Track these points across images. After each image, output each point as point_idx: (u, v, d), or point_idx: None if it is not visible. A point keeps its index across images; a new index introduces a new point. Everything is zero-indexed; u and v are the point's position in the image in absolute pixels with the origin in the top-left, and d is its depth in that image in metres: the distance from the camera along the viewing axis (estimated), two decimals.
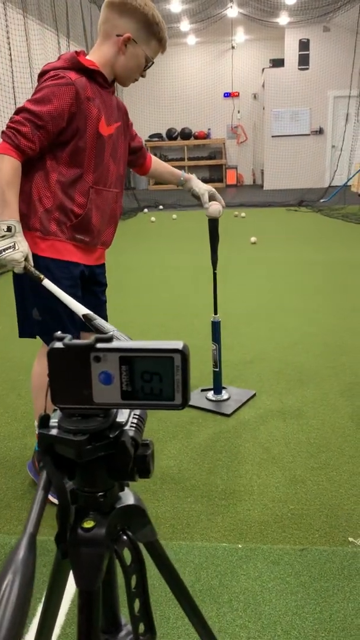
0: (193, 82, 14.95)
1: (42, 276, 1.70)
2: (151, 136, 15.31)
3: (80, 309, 1.57)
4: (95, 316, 1.30)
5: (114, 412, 0.56)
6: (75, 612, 1.37)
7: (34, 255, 1.78)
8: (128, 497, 0.61)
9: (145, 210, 10.59)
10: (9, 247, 1.64)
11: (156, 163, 2.26)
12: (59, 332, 0.53)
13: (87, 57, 1.79)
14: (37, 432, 0.63)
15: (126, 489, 0.62)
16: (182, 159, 15.36)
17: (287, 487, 2.03)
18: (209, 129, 15.29)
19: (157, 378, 0.52)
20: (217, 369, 2.75)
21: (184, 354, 0.51)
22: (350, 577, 1.60)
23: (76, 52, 1.79)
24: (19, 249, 1.66)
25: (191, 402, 2.71)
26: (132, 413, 0.58)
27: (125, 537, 0.60)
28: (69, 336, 0.52)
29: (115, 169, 1.90)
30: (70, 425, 0.53)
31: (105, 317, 2.10)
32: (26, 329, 1.92)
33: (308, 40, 13.24)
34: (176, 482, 2.09)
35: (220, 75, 14.91)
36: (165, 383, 0.52)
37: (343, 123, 12.34)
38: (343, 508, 1.91)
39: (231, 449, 2.30)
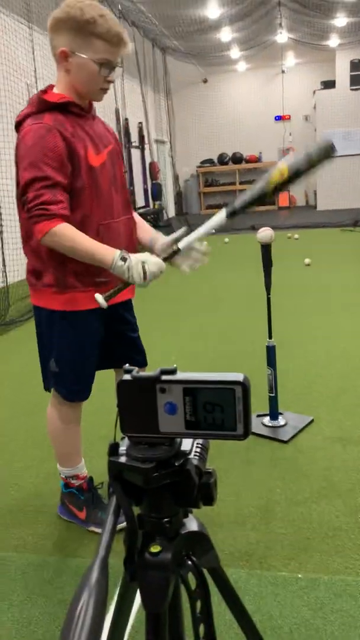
0: (244, 107, 15.12)
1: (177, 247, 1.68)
2: (203, 162, 15.53)
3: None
4: None
5: (179, 441, 0.59)
6: (134, 636, 1.39)
7: (52, 312, 1.74)
8: (192, 524, 0.63)
9: None
10: (144, 272, 1.59)
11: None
12: (127, 365, 0.56)
13: (54, 91, 1.68)
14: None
15: (190, 515, 0.64)
16: (234, 183, 15.47)
17: (348, 516, 1.98)
18: (260, 153, 15.36)
19: (219, 409, 0.54)
20: (273, 394, 2.73)
21: (245, 385, 0.54)
22: None
23: (42, 90, 1.69)
24: (150, 264, 1.60)
25: None
26: (196, 442, 0.60)
27: (189, 562, 0.62)
28: (136, 369, 0.55)
29: (119, 196, 1.79)
30: (138, 453, 0.56)
31: (141, 351, 2.03)
32: (49, 383, 1.90)
33: (359, 60, 13.17)
34: (234, 509, 2.08)
35: (271, 99, 15.01)
36: (227, 414, 0.54)
37: None
38: None
39: (289, 476, 2.27)
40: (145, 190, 12.51)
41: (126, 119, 10.67)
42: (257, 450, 2.50)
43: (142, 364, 2.03)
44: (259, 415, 2.81)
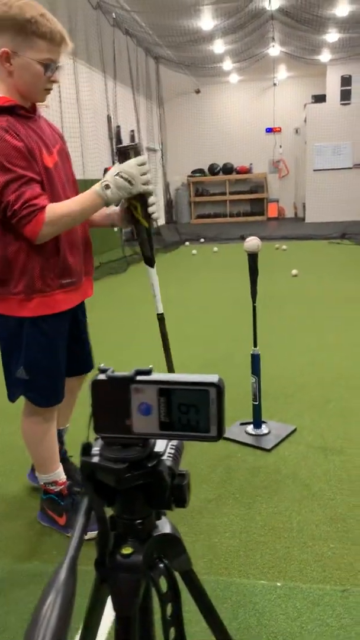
0: (235, 119, 15.25)
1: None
2: (193, 172, 15.62)
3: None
4: None
5: (152, 442, 0.59)
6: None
7: (20, 319, 1.71)
8: (164, 526, 0.63)
9: (187, 243, 10.74)
10: (126, 179, 1.59)
11: None
12: (102, 364, 0.56)
13: None
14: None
15: (163, 517, 0.64)
16: (224, 194, 15.57)
17: (328, 525, 1.99)
18: (251, 164, 15.49)
19: (193, 410, 0.54)
20: (257, 403, 2.73)
21: (219, 387, 0.54)
22: None
23: None
24: (126, 169, 1.59)
25: (230, 436, 2.70)
26: (170, 443, 0.60)
27: (161, 565, 0.61)
28: (111, 368, 0.55)
29: (72, 194, 1.77)
30: (111, 453, 0.56)
31: (89, 352, 2.05)
32: (15, 392, 1.85)
33: (350, 75, 13.36)
34: (214, 517, 2.07)
35: (262, 111, 15.16)
36: (201, 415, 0.54)
37: None
38: None
39: (270, 485, 2.27)
40: None
41: (118, 126, 10.70)
42: (240, 458, 2.50)
43: (90, 364, 2.04)
44: (242, 424, 2.81)
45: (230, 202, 15.62)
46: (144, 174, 1.62)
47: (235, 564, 1.82)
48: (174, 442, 0.61)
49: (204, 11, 9.35)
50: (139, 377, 0.54)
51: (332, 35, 10.64)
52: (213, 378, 0.54)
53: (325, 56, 12.32)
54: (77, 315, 1.96)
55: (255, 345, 2.71)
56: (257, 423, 2.74)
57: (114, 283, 6.97)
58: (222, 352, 4.02)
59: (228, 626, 1.56)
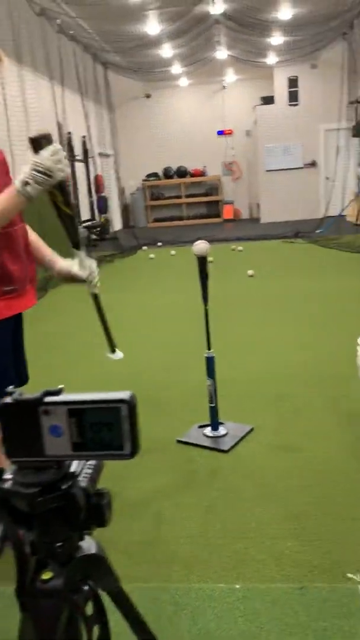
0: (187, 122, 15.33)
1: None
2: (148, 175, 15.61)
3: None
4: None
5: (67, 463, 0.58)
6: None
7: None
8: (88, 547, 0.62)
9: (144, 247, 10.72)
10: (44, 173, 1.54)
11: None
12: (10, 387, 0.55)
13: None
14: None
15: (87, 538, 0.63)
16: (179, 197, 15.61)
17: (285, 523, 2.01)
18: (205, 167, 15.58)
19: (106, 429, 0.54)
20: (213, 405, 2.75)
21: (130, 404, 0.53)
22: (350, 616, 1.57)
23: None
24: (41, 162, 1.54)
25: (188, 440, 2.70)
26: (87, 463, 0.59)
27: (86, 588, 0.60)
28: (18, 391, 0.54)
29: None
30: (23, 478, 0.55)
31: (26, 363, 2.06)
32: None
33: (297, 77, 13.61)
34: (172, 523, 2.07)
35: (213, 114, 15.29)
36: (114, 433, 0.54)
37: (335, 155, 12.57)
38: (341, 543, 1.88)
39: (228, 487, 2.28)
40: (91, 204, 12.45)
41: (69, 133, 10.60)
42: (198, 462, 2.51)
43: (27, 375, 2.03)
44: (200, 426, 2.82)
45: (186, 205, 15.67)
46: (59, 162, 1.58)
47: (194, 569, 1.82)
48: (92, 462, 0.60)
49: (149, 16, 9.36)
50: (47, 399, 0.53)
51: (277, 39, 10.83)
52: (124, 395, 0.53)
53: (271, 59, 12.51)
54: (18, 324, 1.95)
55: (209, 348, 2.72)
56: (215, 425, 2.75)
57: (71, 289, 6.89)
58: (180, 356, 4.02)
59: (188, 633, 1.56)
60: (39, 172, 1.56)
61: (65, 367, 3.89)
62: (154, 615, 1.63)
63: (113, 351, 2.00)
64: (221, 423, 2.79)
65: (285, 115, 13.65)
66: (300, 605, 1.63)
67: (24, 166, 1.57)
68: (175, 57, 11.90)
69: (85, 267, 1.81)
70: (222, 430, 2.75)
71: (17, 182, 1.57)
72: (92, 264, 1.84)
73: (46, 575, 0.57)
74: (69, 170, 1.60)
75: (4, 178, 1.81)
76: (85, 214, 12.01)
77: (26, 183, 1.57)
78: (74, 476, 0.57)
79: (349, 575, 1.72)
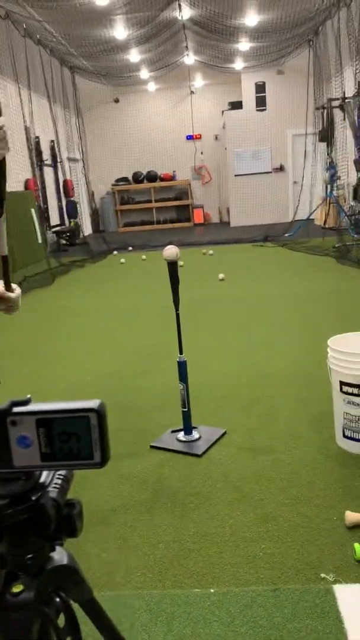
0: (156, 127, 15.36)
1: None
2: (117, 180, 15.57)
3: None
4: None
5: (37, 473, 0.57)
6: None
7: None
8: (59, 557, 0.61)
9: (115, 252, 10.69)
10: None
11: None
12: None
13: None
14: None
15: (58, 548, 0.62)
16: (150, 201, 15.62)
17: (259, 526, 2.02)
18: (174, 171, 15.64)
19: (74, 438, 0.53)
20: (186, 409, 2.75)
21: (99, 412, 0.53)
22: (323, 616, 1.59)
23: None
24: None
25: (161, 445, 2.70)
26: (57, 473, 0.59)
27: (57, 599, 0.59)
28: None
29: None
30: None
31: None
32: None
33: (264, 82, 13.79)
34: (147, 529, 2.06)
35: (182, 119, 15.37)
36: (83, 442, 0.53)
37: (302, 160, 12.77)
38: (314, 543, 1.90)
39: (202, 491, 2.28)
40: (60, 208, 12.35)
41: (37, 137, 10.51)
42: (171, 467, 2.50)
43: None
44: (173, 431, 2.82)
45: (156, 209, 15.69)
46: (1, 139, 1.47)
47: (168, 574, 1.82)
48: (62, 472, 0.59)
49: (116, 20, 9.36)
50: (15, 409, 0.52)
51: (244, 45, 10.95)
52: (93, 403, 0.53)
53: (238, 64, 12.66)
54: None
55: (180, 353, 2.72)
56: (188, 429, 2.76)
57: (41, 296, 6.82)
58: (153, 361, 4.01)
59: (163, 639, 1.55)
60: None
61: (33, 376, 3.84)
62: (128, 623, 1.62)
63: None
64: (194, 427, 2.79)
65: (253, 120, 13.81)
66: (275, 607, 1.64)
67: None
68: (142, 62, 11.93)
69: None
70: (195, 435, 2.75)
71: None
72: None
73: (17, 588, 0.56)
74: (6, 152, 1.55)
75: None
76: (54, 219, 11.91)
77: None
78: (43, 487, 0.56)
79: (323, 575, 1.74)
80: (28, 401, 0.53)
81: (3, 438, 0.53)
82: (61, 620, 0.61)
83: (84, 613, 0.67)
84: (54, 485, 0.57)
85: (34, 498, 0.55)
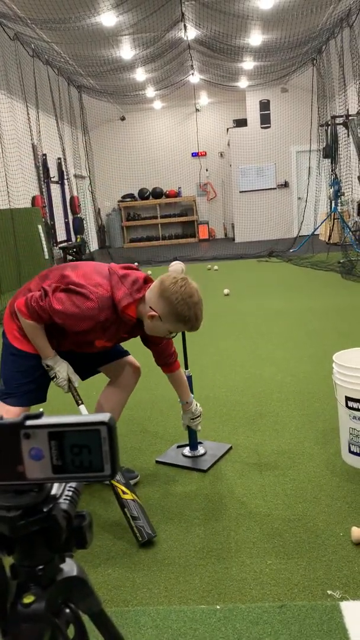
0: (162, 144, 15.54)
1: (80, 400, 2.26)
2: (124, 196, 15.72)
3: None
4: None
5: (48, 485, 0.59)
6: None
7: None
8: (69, 569, 0.62)
9: None
10: (54, 377, 2.17)
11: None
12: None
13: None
14: None
15: (68, 560, 0.63)
16: (155, 217, 15.74)
17: (265, 542, 2.02)
18: (180, 188, 15.77)
19: (85, 451, 0.55)
20: None
21: (109, 425, 0.55)
22: (330, 633, 1.58)
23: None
24: (60, 377, 2.17)
25: (167, 460, 2.70)
26: (67, 485, 0.60)
27: (67, 610, 0.61)
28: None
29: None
30: (4, 501, 0.55)
31: None
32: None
33: (268, 100, 13.97)
34: (152, 545, 2.06)
35: (187, 136, 15.54)
36: (94, 455, 0.55)
37: (306, 176, 12.86)
38: (321, 560, 1.89)
39: (208, 506, 2.28)
40: (67, 224, 12.47)
41: (44, 155, 10.65)
42: (178, 482, 2.50)
43: None
44: (179, 446, 2.82)
45: (161, 225, 15.81)
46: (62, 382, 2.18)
47: (174, 590, 1.81)
48: (73, 484, 0.61)
49: (122, 41, 9.52)
50: (27, 422, 0.54)
51: (248, 63, 11.11)
52: (103, 417, 0.55)
53: (243, 83, 12.82)
54: None
55: (186, 367, 2.74)
56: (194, 445, 2.76)
57: None
58: (158, 374, 4.02)
59: None
60: (55, 374, 2.15)
61: None
62: (134, 639, 1.61)
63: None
64: (200, 442, 2.80)
65: (257, 138, 13.96)
66: (281, 624, 1.63)
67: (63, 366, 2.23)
68: (148, 81, 12.11)
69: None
70: (201, 450, 2.76)
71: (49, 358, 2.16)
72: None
73: (28, 599, 0.57)
74: None
75: None
76: (61, 235, 12.02)
77: (48, 366, 2.09)
78: (55, 498, 0.58)
79: (329, 592, 1.74)
80: (40, 414, 0.55)
81: (16, 451, 0.54)
82: (71, 632, 0.62)
83: (93, 625, 0.68)
84: (64, 497, 0.58)
85: (45, 510, 0.56)
